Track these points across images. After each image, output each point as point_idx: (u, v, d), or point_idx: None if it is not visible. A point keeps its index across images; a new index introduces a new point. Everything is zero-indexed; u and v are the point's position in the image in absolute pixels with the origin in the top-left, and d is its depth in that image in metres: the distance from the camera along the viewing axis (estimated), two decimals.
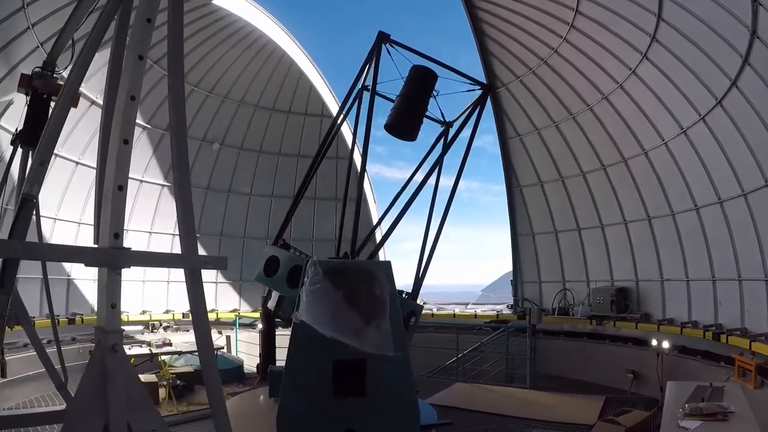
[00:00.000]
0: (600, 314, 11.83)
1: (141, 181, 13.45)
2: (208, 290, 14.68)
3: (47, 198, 11.31)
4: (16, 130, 5.08)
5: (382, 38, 8.01)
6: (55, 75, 5.04)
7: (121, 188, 2.47)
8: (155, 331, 13.25)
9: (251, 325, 13.92)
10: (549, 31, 11.29)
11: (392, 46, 8.12)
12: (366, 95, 8.12)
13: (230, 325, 14.32)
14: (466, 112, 8.96)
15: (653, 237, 11.26)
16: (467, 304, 20.58)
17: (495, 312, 15.35)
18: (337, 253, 7.44)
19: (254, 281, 11.27)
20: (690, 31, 8.44)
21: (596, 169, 12.29)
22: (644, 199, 11.34)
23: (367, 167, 7.90)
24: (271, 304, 6.90)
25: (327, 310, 5.20)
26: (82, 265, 2.39)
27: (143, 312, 13.84)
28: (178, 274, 13.72)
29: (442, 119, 9.29)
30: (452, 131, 8.98)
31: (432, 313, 15.04)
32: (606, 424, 7.34)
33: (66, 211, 11.90)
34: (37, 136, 4.96)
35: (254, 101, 14.37)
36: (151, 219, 14.09)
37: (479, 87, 9.01)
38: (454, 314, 15.20)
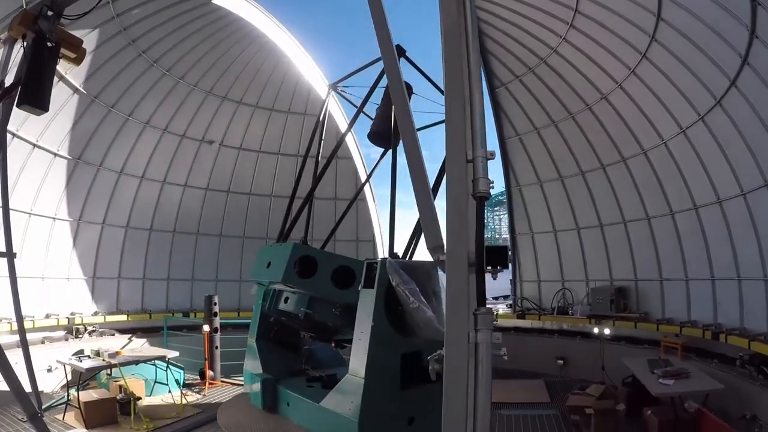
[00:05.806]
0: (599, 314, 11.83)
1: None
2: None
3: (51, 196, 11.28)
4: (1, 83, 3.97)
5: (399, 53, 8.01)
6: (61, 23, 4.04)
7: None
8: (80, 336, 11.37)
9: (177, 328, 12.93)
10: (548, 31, 11.28)
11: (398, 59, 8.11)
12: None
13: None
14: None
15: (652, 236, 11.27)
16: None
17: (494, 312, 15.48)
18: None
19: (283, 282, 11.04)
20: (689, 31, 8.44)
21: (595, 168, 12.29)
22: (643, 199, 11.34)
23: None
24: (291, 306, 6.41)
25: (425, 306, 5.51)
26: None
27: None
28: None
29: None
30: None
31: None
32: (578, 396, 8.09)
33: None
34: (41, 94, 3.79)
35: (253, 101, 14.35)
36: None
37: None
38: None
